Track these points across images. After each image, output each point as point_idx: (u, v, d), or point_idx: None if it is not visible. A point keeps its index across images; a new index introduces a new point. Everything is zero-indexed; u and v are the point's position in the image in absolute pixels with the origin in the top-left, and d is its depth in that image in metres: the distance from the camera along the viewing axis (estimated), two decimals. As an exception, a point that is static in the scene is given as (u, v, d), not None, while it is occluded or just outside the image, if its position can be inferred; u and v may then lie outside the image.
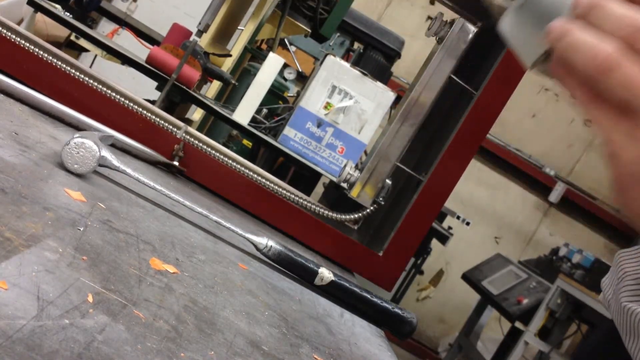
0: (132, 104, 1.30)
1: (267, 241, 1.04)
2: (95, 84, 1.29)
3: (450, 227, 4.86)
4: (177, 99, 1.51)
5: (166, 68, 1.43)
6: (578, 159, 6.23)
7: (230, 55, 1.81)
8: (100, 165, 0.93)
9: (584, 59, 0.50)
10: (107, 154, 0.94)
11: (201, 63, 1.50)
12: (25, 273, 0.54)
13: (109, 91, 1.29)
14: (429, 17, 5.96)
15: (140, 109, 1.31)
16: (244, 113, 1.48)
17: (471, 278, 4.94)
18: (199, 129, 1.88)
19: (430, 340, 6.14)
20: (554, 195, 6.08)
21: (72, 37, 2.75)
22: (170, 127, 1.32)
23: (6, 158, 0.79)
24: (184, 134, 1.32)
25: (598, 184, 6.22)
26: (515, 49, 0.59)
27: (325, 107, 1.52)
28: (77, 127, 1.16)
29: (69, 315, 0.51)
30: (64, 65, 1.27)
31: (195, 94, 1.48)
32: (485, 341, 5.31)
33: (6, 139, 0.86)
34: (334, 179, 1.48)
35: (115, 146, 1.19)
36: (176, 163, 1.29)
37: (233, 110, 1.51)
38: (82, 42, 2.71)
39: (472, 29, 1.42)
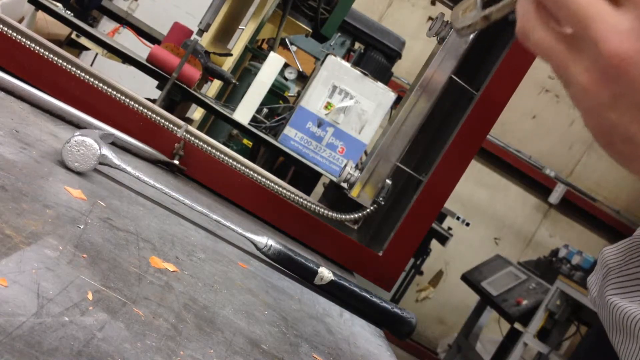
0: (132, 103, 1.30)
1: (267, 240, 1.04)
2: (96, 82, 1.29)
3: (450, 228, 4.86)
4: (177, 98, 1.51)
5: (167, 67, 1.43)
6: (578, 161, 6.23)
7: (231, 55, 1.81)
8: (100, 164, 0.93)
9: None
10: (108, 152, 0.94)
11: (202, 62, 1.50)
12: (25, 270, 0.54)
13: (110, 89, 1.29)
14: (430, 18, 5.96)
15: (141, 108, 1.31)
16: (244, 112, 1.48)
17: (470, 279, 4.94)
18: (200, 128, 1.88)
19: (430, 341, 6.14)
20: (554, 197, 6.08)
21: (73, 36, 2.75)
22: (171, 126, 1.32)
23: (6, 155, 0.79)
24: (184, 133, 1.32)
25: (598, 186, 6.23)
26: None
27: (326, 107, 1.52)
28: (78, 125, 1.16)
29: (69, 313, 0.51)
30: (65, 64, 1.27)
31: (196, 93, 1.48)
32: (485, 342, 5.31)
33: (7, 137, 0.86)
34: (334, 179, 1.48)
35: (116, 144, 1.19)
36: (176, 162, 1.29)
37: (233, 110, 1.51)
38: (83, 41, 2.71)
39: (473, 30, 1.42)
